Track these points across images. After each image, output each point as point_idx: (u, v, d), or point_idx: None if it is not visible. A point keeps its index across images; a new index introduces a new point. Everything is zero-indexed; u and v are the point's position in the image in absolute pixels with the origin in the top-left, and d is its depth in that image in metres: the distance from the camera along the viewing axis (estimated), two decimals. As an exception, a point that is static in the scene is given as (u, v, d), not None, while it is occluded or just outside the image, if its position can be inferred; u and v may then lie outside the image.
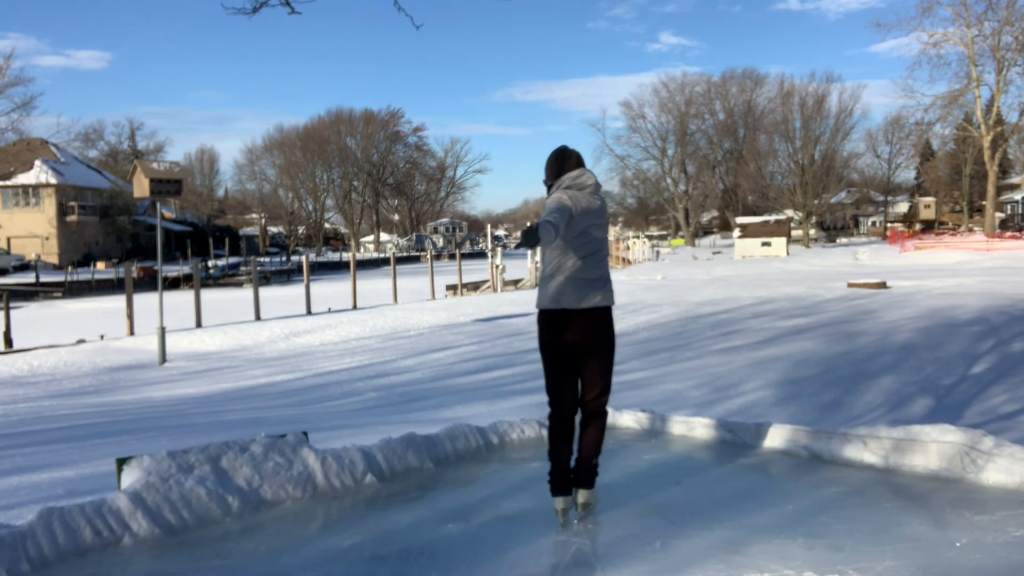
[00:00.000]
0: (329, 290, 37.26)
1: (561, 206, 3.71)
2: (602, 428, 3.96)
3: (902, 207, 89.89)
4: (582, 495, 3.95)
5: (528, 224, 3.51)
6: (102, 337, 19.11)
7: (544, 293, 3.86)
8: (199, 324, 20.97)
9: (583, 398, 3.93)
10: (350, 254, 41.93)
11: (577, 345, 3.83)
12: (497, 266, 32.74)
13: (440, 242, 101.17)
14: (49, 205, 60.08)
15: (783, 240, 55.92)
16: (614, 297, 3.98)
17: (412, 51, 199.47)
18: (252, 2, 7.50)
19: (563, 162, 3.95)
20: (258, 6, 7.50)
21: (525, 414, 6.43)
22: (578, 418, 4.00)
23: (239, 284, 49.91)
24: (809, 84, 68.27)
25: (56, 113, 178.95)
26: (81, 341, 18.36)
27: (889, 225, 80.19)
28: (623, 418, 5.98)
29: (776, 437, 5.18)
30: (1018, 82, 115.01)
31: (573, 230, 3.78)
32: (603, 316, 3.88)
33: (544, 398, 4.03)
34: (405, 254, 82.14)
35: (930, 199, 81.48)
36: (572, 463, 3.95)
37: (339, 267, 67.29)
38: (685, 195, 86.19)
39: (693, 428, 5.66)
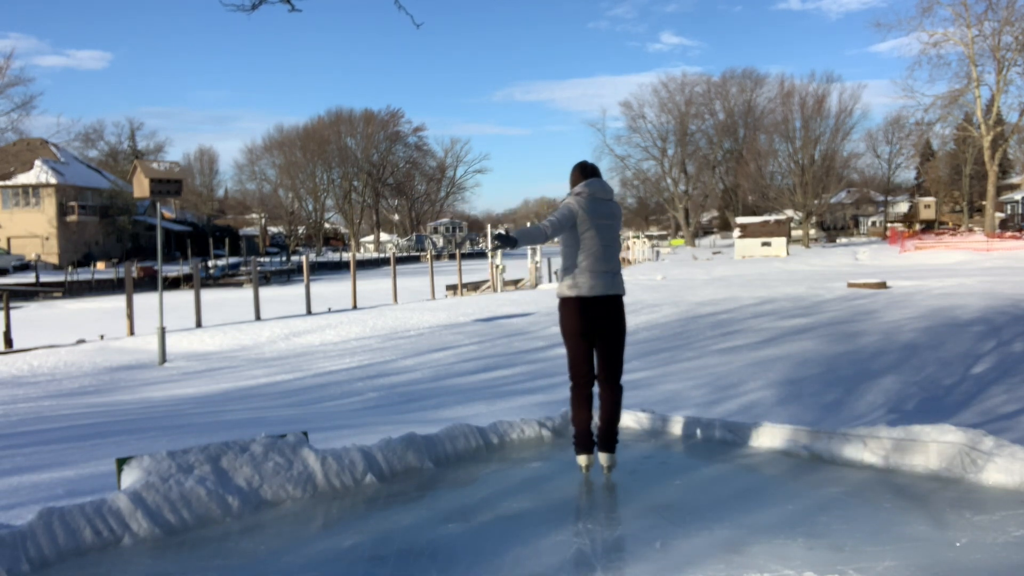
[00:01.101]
0: (329, 290, 37.26)
1: (566, 209, 4.44)
2: (618, 400, 4.60)
3: (902, 207, 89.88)
4: (606, 459, 4.59)
5: (501, 230, 3.80)
6: (102, 337, 19.11)
7: (561, 283, 4.57)
8: (199, 324, 20.97)
9: (599, 375, 4.58)
10: (350, 254, 41.93)
11: (591, 328, 4.49)
12: (497, 266, 32.72)
13: (440, 242, 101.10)
14: (49, 205, 60.11)
15: (783, 240, 55.97)
16: (624, 287, 4.60)
17: (412, 51, 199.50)
18: (251, -1, 7.48)
19: (580, 174, 4.65)
20: (257, 3, 7.49)
21: (525, 414, 6.42)
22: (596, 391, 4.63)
23: (239, 284, 49.90)
24: (809, 84, 68.51)
25: (56, 113, 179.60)
26: (81, 341, 18.36)
27: (889, 225, 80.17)
28: (623, 418, 5.96)
29: (776, 437, 5.18)
30: (1018, 82, 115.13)
31: (579, 229, 4.44)
32: (613, 303, 4.52)
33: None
34: (405, 254, 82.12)
35: (930, 199, 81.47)
36: (595, 430, 4.63)
37: (339, 267, 67.28)
38: (685, 195, 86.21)
39: (693, 428, 5.66)
